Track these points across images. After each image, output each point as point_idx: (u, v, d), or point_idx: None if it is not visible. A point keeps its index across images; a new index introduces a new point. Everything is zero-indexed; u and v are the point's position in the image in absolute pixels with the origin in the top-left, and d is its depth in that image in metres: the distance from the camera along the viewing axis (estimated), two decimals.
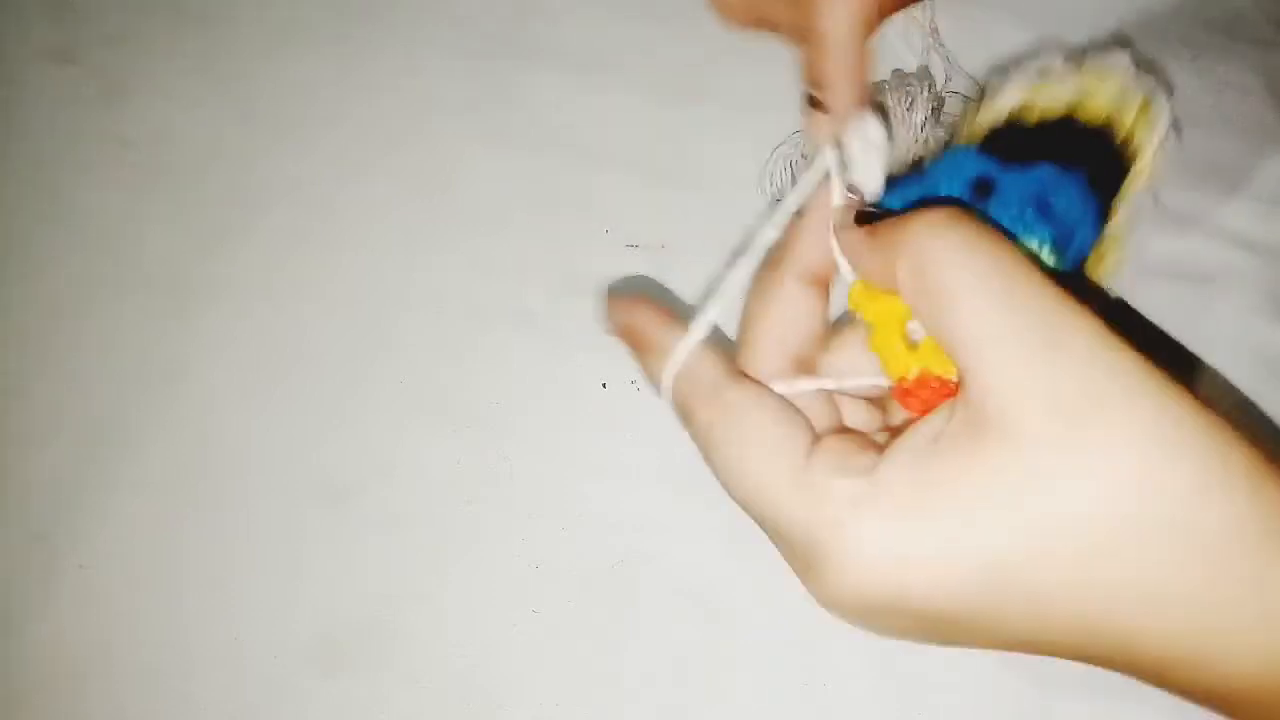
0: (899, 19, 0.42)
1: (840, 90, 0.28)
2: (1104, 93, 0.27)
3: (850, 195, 0.26)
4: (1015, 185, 0.25)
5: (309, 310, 0.40)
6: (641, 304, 0.27)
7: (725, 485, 0.25)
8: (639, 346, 0.27)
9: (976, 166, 0.26)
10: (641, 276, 0.40)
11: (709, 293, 0.27)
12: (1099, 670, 0.35)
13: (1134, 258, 0.39)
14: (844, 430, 0.26)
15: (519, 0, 0.44)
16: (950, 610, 0.21)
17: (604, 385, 0.38)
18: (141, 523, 0.37)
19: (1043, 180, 0.26)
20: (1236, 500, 0.20)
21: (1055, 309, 0.21)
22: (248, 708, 0.35)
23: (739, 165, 0.40)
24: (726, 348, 0.26)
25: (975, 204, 0.25)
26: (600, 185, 0.41)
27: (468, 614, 0.36)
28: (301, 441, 0.38)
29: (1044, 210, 0.25)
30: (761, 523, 0.24)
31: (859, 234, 0.25)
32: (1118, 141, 0.27)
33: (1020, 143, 0.27)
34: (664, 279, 0.40)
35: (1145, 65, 0.28)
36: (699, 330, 0.26)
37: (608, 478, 0.37)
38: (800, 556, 0.23)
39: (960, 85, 0.41)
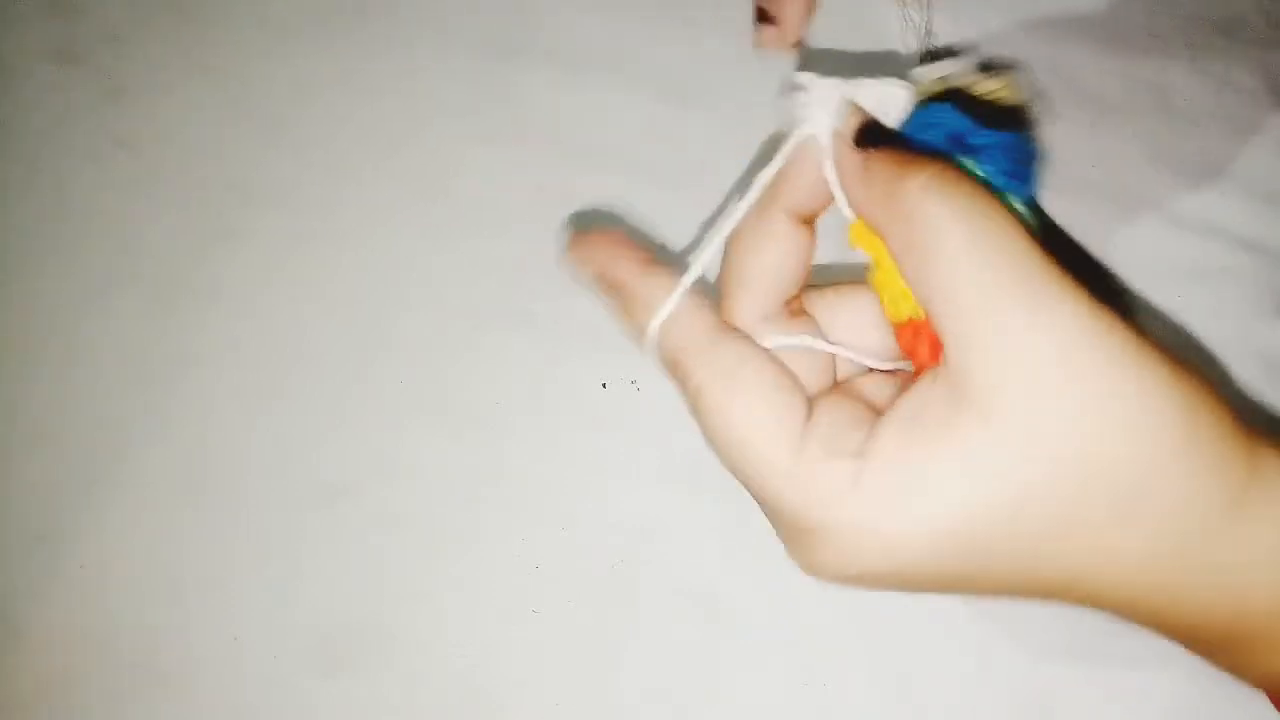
0: (894, 14, 0.42)
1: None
2: (1010, 92, 0.28)
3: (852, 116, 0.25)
4: (997, 145, 0.25)
5: (309, 310, 0.40)
6: (618, 245, 0.25)
7: (715, 452, 0.24)
8: (618, 296, 0.25)
9: (955, 122, 0.25)
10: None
11: (697, 241, 0.26)
12: (1101, 670, 0.35)
13: (1135, 257, 0.39)
14: (835, 387, 0.26)
15: (519, 0, 0.44)
16: (930, 577, 0.22)
17: (604, 385, 0.38)
18: (141, 523, 0.37)
19: (1018, 144, 0.26)
20: (1197, 471, 0.21)
21: (1040, 280, 0.21)
22: (248, 708, 0.35)
23: (739, 165, 0.40)
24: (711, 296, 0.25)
25: (957, 156, 0.25)
26: (600, 185, 0.41)
27: (468, 614, 0.36)
28: (301, 441, 0.38)
29: (1023, 172, 0.25)
30: (750, 491, 0.24)
31: (856, 161, 0.24)
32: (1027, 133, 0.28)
33: (976, 111, 0.27)
34: None
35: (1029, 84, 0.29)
36: (687, 281, 0.24)
37: (608, 478, 0.37)
38: (789, 531, 0.23)
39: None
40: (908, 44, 0.42)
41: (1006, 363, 0.21)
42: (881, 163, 0.23)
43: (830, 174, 0.25)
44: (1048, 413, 0.20)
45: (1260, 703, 0.34)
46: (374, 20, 0.44)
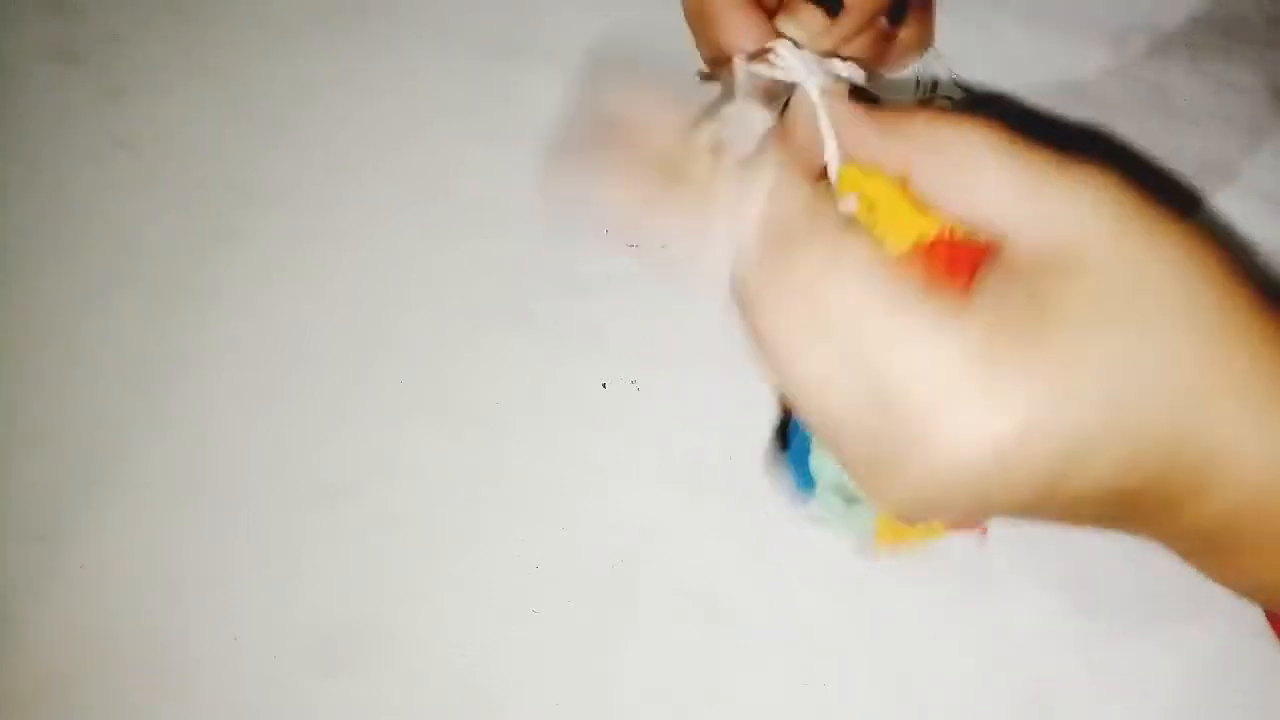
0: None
1: (724, 26, 0.28)
2: None
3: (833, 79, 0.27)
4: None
5: (309, 310, 0.40)
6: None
7: (786, 393, 0.24)
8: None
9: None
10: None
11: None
12: (1101, 670, 0.35)
13: None
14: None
15: (519, 0, 0.44)
16: (1018, 481, 0.22)
17: (604, 385, 0.38)
18: (141, 523, 0.37)
19: None
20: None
21: (1058, 165, 0.23)
22: (248, 708, 0.35)
23: None
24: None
25: None
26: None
27: (468, 614, 0.36)
28: (301, 441, 0.38)
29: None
30: (821, 430, 0.24)
31: (860, 112, 0.25)
32: None
33: None
34: (665, 279, 0.39)
35: None
36: (734, 243, 0.24)
37: (608, 478, 0.37)
38: (877, 452, 0.22)
39: (953, 89, 0.41)
40: None
41: (1075, 240, 0.22)
42: (885, 110, 0.25)
43: (825, 125, 0.26)
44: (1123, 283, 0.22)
45: (1261, 700, 0.34)
46: (374, 20, 0.44)
